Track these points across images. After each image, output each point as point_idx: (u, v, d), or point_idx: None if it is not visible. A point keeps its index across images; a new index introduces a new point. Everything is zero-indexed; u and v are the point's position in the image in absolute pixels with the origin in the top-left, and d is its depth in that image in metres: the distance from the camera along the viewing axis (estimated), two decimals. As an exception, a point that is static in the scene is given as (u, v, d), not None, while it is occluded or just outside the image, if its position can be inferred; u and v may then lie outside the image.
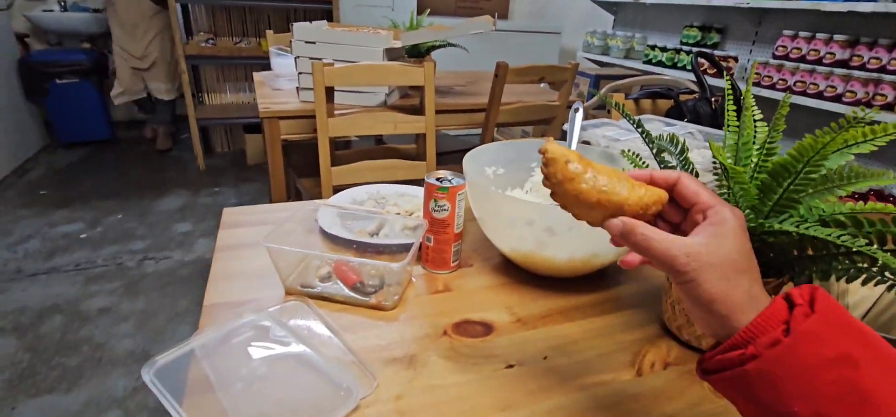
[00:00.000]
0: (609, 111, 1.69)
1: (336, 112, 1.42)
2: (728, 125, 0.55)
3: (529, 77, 1.63)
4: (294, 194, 1.82)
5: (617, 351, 0.55)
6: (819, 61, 1.98)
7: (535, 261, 0.65)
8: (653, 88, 1.43)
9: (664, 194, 0.37)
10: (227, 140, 3.46)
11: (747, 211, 0.47)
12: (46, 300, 1.79)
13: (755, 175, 0.49)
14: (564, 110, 1.71)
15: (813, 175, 0.43)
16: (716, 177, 0.52)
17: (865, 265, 0.43)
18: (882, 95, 1.78)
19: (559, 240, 0.61)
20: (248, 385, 0.48)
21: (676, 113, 1.29)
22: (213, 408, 0.45)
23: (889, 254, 0.40)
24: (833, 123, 0.42)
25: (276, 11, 3.26)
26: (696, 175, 0.57)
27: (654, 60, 2.78)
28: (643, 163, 0.61)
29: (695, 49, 2.49)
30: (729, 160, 0.51)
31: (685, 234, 0.35)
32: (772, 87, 2.11)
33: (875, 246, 0.41)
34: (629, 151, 0.61)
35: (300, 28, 1.54)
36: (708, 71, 2.41)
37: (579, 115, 0.71)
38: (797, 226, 0.43)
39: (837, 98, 1.89)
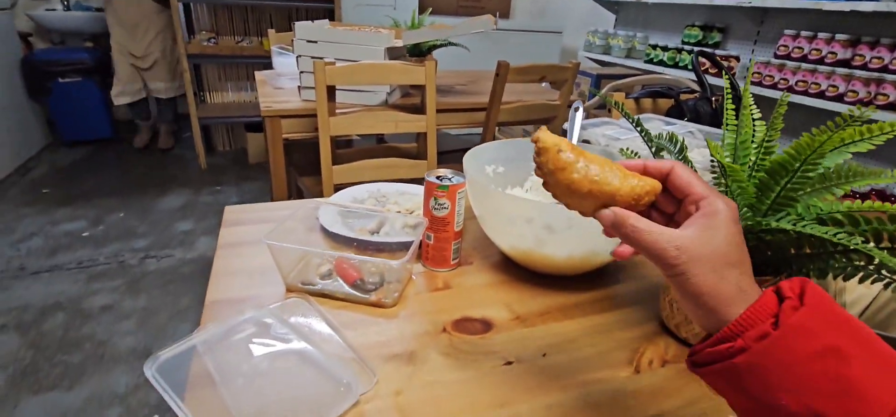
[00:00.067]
0: (609, 110, 1.69)
1: (337, 111, 1.43)
2: (727, 124, 0.55)
3: (530, 76, 1.63)
4: (295, 193, 1.83)
5: (615, 349, 0.56)
6: (821, 61, 1.98)
7: (534, 259, 0.66)
8: (653, 88, 1.43)
9: (657, 185, 0.37)
10: (228, 139, 3.47)
11: (745, 209, 0.47)
12: (49, 298, 1.79)
13: (753, 174, 0.50)
14: (565, 109, 1.71)
15: (810, 174, 0.43)
16: (714, 176, 0.52)
17: (862, 263, 0.44)
18: (884, 94, 1.77)
19: (558, 238, 0.62)
20: (250, 381, 0.49)
21: (677, 112, 1.29)
22: (214, 403, 0.46)
23: (885, 252, 0.40)
24: (830, 121, 0.42)
25: (277, 10, 3.26)
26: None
27: (655, 60, 2.78)
28: (637, 158, 0.61)
29: (696, 49, 2.49)
30: (727, 159, 0.51)
31: (679, 224, 0.35)
32: (773, 86, 2.11)
33: (871, 244, 0.41)
34: (628, 149, 0.61)
35: (302, 27, 1.54)
36: (709, 71, 2.41)
37: (579, 114, 0.72)
38: (794, 224, 0.43)
39: (839, 98, 1.89)
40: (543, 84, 2.18)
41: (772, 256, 0.50)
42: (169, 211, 2.50)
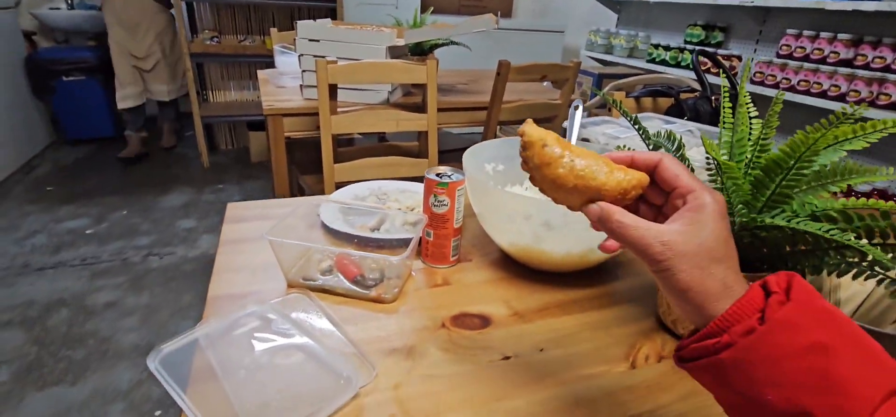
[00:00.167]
0: (610, 109, 1.70)
1: (339, 109, 1.44)
2: (724, 122, 0.55)
3: (532, 75, 1.64)
4: (297, 191, 1.83)
5: (612, 345, 0.56)
6: (823, 60, 1.97)
7: (532, 255, 0.66)
8: (654, 87, 1.43)
9: (645, 178, 0.36)
10: (231, 137, 3.49)
11: (740, 206, 0.48)
12: (53, 295, 1.81)
13: (749, 171, 0.50)
14: (566, 108, 1.72)
15: (805, 171, 0.44)
16: (710, 173, 0.52)
17: (856, 260, 0.44)
18: (886, 94, 1.77)
19: (556, 235, 0.62)
20: (251, 374, 0.49)
21: (677, 111, 1.30)
22: (216, 396, 0.47)
23: (878, 248, 0.41)
24: (823, 119, 0.42)
25: (280, 9, 3.27)
26: (692, 172, 0.58)
27: (657, 59, 2.78)
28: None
29: (696, 48, 2.49)
30: (723, 156, 0.52)
31: (667, 216, 0.34)
32: (775, 86, 2.10)
33: (864, 241, 0.42)
34: (626, 147, 0.62)
35: (304, 26, 1.55)
36: (711, 70, 2.41)
37: (579, 112, 0.72)
38: (789, 221, 0.44)
39: (841, 97, 1.89)
40: (545, 83, 2.19)
41: (767, 253, 0.50)
42: (171, 209, 2.51)
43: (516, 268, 0.70)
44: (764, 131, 0.50)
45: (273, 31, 2.21)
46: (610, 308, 0.63)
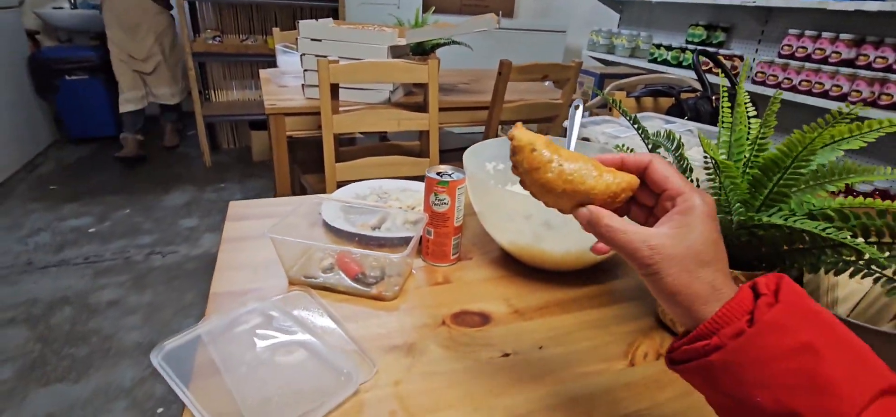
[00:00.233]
0: (611, 109, 1.70)
1: (341, 109, 1.44)
2: (722, 122, 0.56)
3: (533, 75, 1.64)
4: (299, 190, 1.84)
5: (611, 342, 0.56)
6: (825, 60, 1.97)
7: (532, 254, 0.67)
8: (654, 87, 1.44)
9: (635, 180, 0.36)
10: (233, 137, 3.50)
11: (738, 205, 0.48)
12: (56, 293, 1.82)
13: (747, 170, 0.50)
14: (567, 108, 1.72)
15: (802, 170, 0.44)
16: (708, 173, 0.53)
17: (853, 259, 0.44)
18: (888, 94, 1.77)
19: (556, 234, 0.63)
20: (253, 370, 0.50)
21: (677, 111, 1.30)
22: (218, 392, 0.47)
23: (874, 247, 0.41)
24: (820, 119, 0.43)
25: (282, 9, 3.28)
26: (691, 171, 0.58)
27: (659, 59, 2.78)
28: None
29: (697, 48, 2.49)
30: (721, 155, 0.52)
31: (658, 217, 0.35)
32: (777, 86, 2.10)
33: (860, 239, 0.42)
34: (624, 146, 0.62)
35: (306, 26, 1.56)
36: (713, 70, 2.41)
37: (579, 112, 0.72)
38: (786, 220, 0.44)
39: (843, 97, 1.89)
40: (546, 83, 2.19)
41: (765, 251, 0.50)
42: (173, 208, 2.52)
43: (516, 266, 0.70)
44: (762, 131, 0.51)
45: (275, 30, 2.22)
46: (609, 307, 0.63)
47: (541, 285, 0.66)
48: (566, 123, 0.75)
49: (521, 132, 0.37)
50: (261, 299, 0.57)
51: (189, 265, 2.05)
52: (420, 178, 0.79)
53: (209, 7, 3.17)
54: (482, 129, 1.72)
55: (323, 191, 1.50)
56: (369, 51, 1.54)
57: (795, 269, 0.49)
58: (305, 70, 1.60)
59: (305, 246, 0.68)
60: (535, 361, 0.53)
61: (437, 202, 0.67)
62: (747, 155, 0.51)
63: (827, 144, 0.43)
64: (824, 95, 1.94)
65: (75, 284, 1.88)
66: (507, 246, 0.70)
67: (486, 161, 0.79)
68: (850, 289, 0.51)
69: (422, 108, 1.51)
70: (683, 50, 2.66)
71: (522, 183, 0.38)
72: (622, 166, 0.37)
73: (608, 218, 0.35)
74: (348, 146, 1.99)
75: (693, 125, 0.99)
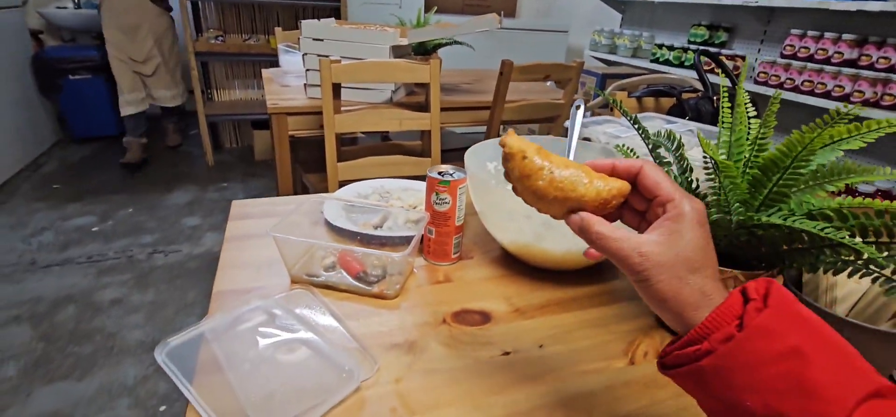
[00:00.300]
0: (612, 109, 1.70)
1: (343, 109, 1.45)
2: (722, 122, 0.56)
3: (534, 75, 1.64)
4: (301, 189, 1.85)
5: (611, 341, 0.57)
6: (827, 61, 1.97)
7: (533, 253, 0.67)
8: (656, 87, 1.44)
9: (626, 186, 0.37)
10: (235, 136, 3.51)
11: (737, 205, 0.48)
12: (60, 291, 1.83)
13: (747, 170, 0.51)
14: (569, 108, 1.72)
15: (802, 170, 0.44)
16: (708, 173, 0.53)
17: (851, 258, 0.45)
18: (891, 94, 1.77)
19: (556, 233, 0.63)
20: (256, 367, 0.50)
21: (678, 111, 1.30)
22: (222, 388, 0.48)
23: (873, 247, 0.41)
24: (818, 119, 0.43)
25: (284, 9, 3.29)
26: (691, 171, 0.58)
27: (661, 59, 2.78)
28: (633, 155, 0.62)
29: (699, 48, 2.49)
30: (721, 156, 0.53)
31: (650, 223, 0.35)
32: (779, 86, 2.10)
33: (858, 239, 0.42)
34: (625, 146, 0.62)
35: (308, 25, 1.56)
36: (715, 70, 2.41)
37: (580, 112, 0.73)
38: (785, 219, 0.44)
39: (845, 98, 1.88)
40: (548, 83, 2.19)
41: (765, 251, 0.51)
42: (176, 207, 2.53)
43: (517, 265, 0.71)
44: (761, 131, 0.51)
45: (277, 30, 2.23)
46: (609, 306, 0.63)
47: (541, 284, 0.67)
48: (567, 123, 0.75)
49: (512, 139, 0.37)
50: (263, 297, 0.58)
51: (191, 264, 2.06)
52: (421, 177, 0.79)
53: (211, 7, 3.18)
54: (484, 129, 1.72)
55: (325, 190, 1.51)
56: (371, 51, 1.55)
57: (795, 269, 0.49)
58: (307, 70, 1.60)
59: (307, 245, 0.68)
60: (536, 359, 0.53)
61: (438, 202, 0.67)
62: (747, 155, 0.52)
63: (826, 145, 0.43)
64: (827, 95, 1.93)
65: (79, 282, 1.89)
66: (508, 245, 0.70)
67: (487, 161, 0.79)
68: (849, 289, 0.51)
69: (423, 108, 1.52)
70: (685, 50, 2.66)
71: (514, 190, 0.38)
72: (614, 172, 0.37)
73: (599, 225, 0.35)
74: (350, 146, 1.99)
75: (694, 125, 0.99)
